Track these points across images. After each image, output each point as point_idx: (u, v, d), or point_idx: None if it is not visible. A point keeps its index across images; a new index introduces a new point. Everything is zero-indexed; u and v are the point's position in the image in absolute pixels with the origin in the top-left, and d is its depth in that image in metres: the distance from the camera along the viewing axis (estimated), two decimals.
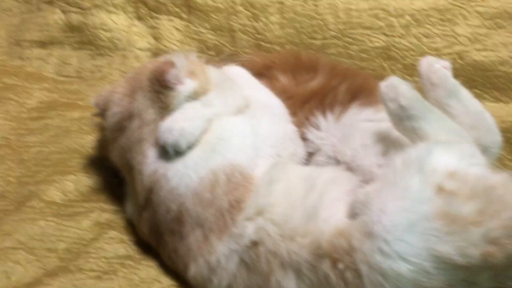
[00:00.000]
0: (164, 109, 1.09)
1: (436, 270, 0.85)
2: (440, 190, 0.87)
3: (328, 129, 1.20)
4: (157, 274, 1.10)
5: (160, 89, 1.08)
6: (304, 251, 0.93)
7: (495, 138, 1.13)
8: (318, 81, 1.29)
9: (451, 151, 0.95)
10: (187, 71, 1.12)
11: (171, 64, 1.08)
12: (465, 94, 1.14)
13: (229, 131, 1.10)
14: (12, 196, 1.26)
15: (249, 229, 0.98)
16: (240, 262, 0.99)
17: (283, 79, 1.31)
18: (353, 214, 0.95)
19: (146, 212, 1.10)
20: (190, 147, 1.05)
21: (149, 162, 1.07)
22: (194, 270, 1.03)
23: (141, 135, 1.10)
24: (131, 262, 1.12)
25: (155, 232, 1.09)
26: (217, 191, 1.02)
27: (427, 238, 0.85)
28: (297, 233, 0.95)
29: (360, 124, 1.18)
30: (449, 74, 1.13)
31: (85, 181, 1.31)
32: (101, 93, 1.25)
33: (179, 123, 1.05)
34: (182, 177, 1.04)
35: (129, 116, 1.13)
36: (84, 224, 1.20)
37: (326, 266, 0.91)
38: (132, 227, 1.18)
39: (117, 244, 1.16)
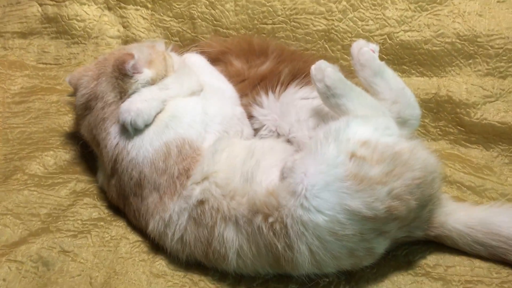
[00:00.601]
0: (123, 93, 1.23)
1: (348, 220, 1.01)
2: (352, 155, 1.03)
3: (270, 106, 1.34)
4: (125, 232, 1.26)
5: (120, 76, 1.23)
6: (241, 208, 1.09)
7: (415, 111, 1.26)
8: (267, 65, 1.41)
9: (366, 124, 1.09)
10: (146, 61, 1.26)
11: (131, 56, 1.21)
12: (389, 73, 1.26)
13: (181, 110, 1.23)
14: None
15: (196, 191, 1.13)
16: (189, 218, 1.14)
17: (237, 64, 1.44)
18: (282, 178, 1.10)
19: (113, 180, 1.25)
20: (146, 124, 1.19)
21: (112, 137, 1.22)
22: (152, 226, 1.18)
23: (104, 115, 1.25)
24: (103, 223, 1.27)
25: (122, 196, 1.24)
26: (169, 161, 1.17)
27: (340, 195, 1.01)
28: (236, 193, 1.11)
29: (296, 101, 1.31)
30: (375, 56, 1.25)
31: (63, 156, 1.44)
32: (73, 73, 1.37)
33: (136, 105, 1.19)
34: (140, 149, 1.18)
35: (95, 97, 1.27)
36: (62, 192, 1.35)
37: (259, 220, 1.06)
38: (103, 194, 1.33)
39: (91, 208, 1.31)
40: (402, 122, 1.23)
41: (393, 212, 1.03)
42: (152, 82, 1.25)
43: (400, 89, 1.25)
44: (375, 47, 1.27)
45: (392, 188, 1.02)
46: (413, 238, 1.17)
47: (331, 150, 1.04)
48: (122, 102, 1.22)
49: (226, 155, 1.17)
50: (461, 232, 1.16)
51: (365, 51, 1.24)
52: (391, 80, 1.25)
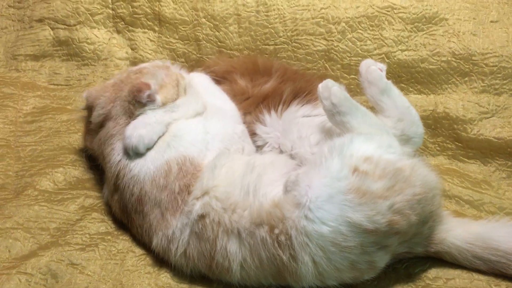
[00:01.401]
0: (131, 114, 1.28)
1: (350, 232, 1.03)
2: (355, 170, 1.05)
3: (272, 124, 1.38)
4: (131, 246, 1.28)
5: (133, 102, 1.27)
6: (243, 220, 1.11)
7: (418, 130, 1.29)
8: (271, 84, 1.45)
9: (370, 141, 1.12)
10: (159, 86, 1.30)
11: (148, 86, 1.26)
12: (396, 92, 1.30)
13: (183, 130, 1.27)
14: (11, 187, 1.43)
15: (196, 206, 1.16)
16: (191, 233, 1.16)
17: (242, 82, 1.48)
18: (286, 191, 1.13)
19: (116, 195, 1.28)
20: (148, 148, 1.23)
21: (116, 153, 1.26)
22: (155, 242, 1.20)
23: (113, 132, 1.30)
24: (110, 237, 1.30)
25: (124, 211, 1.27)
26: (170, 178, 1.20)
27: (342, 207, 1.03)
28: (237, 206, 1.13)
29: (298, 119, 1.35)
30: (383, 74, 1.29)
31: (72, 172, 1.48)
32: (92, 90, 1.41)
33: (139, 130, 1.23)
34: (142, 167, 1.22)
35: (109, 117, 1.32)
36: (71, 208, 1.38)
37: (264, 231, 1.08)
38: (110, 209, 1.35)
39: (99, 223, 1.34)
40: (406, 139, 1.26)
41: (394, 226, 1.05)
42: (161, 106, 1.29)
43: (405, 108, 1.28)
44: (382, 66, 1.31)
45: (393, 203, 1.04)
46: (413, 254, 1.19)
47: (335, 164, 1.07)
48: (129, 123, 1.27)
49: (225, 170, 1.20)
50: (460, 248, 1.17)
51: (373, 69, 1.28)
52: (397, 99, 1.29)
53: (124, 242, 1.29)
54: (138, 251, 1.27)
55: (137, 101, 1.26)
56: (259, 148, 1.39)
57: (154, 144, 1.24)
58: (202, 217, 1.15)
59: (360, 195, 1.03)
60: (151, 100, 1.26)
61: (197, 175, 1.20)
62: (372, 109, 1.31)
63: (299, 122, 1.34)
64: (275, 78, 1.47)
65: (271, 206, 1.10)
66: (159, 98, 1.28)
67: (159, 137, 1.25)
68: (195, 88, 1.39)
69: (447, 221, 1.20)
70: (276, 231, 1.07)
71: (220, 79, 1.51)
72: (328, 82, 1.23)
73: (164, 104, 1.29)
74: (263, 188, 1.16)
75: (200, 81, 1.47)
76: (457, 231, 1.18)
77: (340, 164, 1.06)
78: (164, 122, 1.27)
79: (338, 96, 1.20)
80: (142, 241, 1.27)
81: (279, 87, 1.44)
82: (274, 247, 1.07)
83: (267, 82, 1.46)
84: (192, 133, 1.27)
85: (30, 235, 1.28)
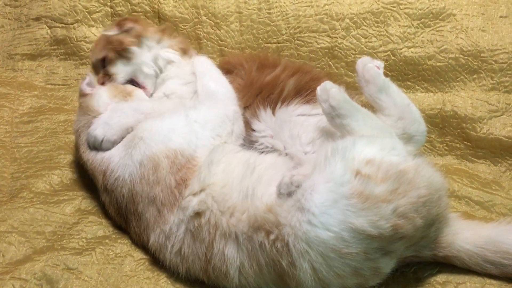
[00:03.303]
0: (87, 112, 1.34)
1: (352, 238, 1.00)
2: (357, 173, 1.03)
3: (266, 121, 1.34)
4: (130, 250, 1.25)
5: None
6: (241, 224, 1.09)
7: (420, 127, 1.25)
8: (274, 73, 1.42)
9: (372, 143, 1.09)
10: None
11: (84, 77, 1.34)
12: (394, 89, 1.27)
13: (158, 125, 1.26)
14: (6, 189, 1.41)
15: (193, 202, 1.14)
16: (186, 230, 1.14)
17: (250, 70, 1.44)
18: (280, 193, 1.10)
19: (107, 196, 1.27)
20: (112, 146, 1.27)
21: (94, 153, 1.29)
22: (153, 239, 1.18)
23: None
24: (107, 241, 1.27)
25: (120, 214, 1.25)
26: (161, 172, 1.18)
27: (345, 212, 1.00)
28: (236, 209, 1.11)
29: (293, 118, 1.32)
30: (380, 72, 1.25)
31: (69, 174, 1.46)
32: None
33: (97, 130, 1.28)
34: (124, 168, 1.22)
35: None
36: (67, 210, 1.35)
37: (261, 236, 1.06)
38: (108, 212, 1.32)
39: (96, 226, 1.31)
40: (407, 138, 1.23)
41: (399, 231, 1.02)
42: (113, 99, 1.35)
43: (405, 105, 1.25)
44: (379, 63, 1.28)
45: (397, 206, 1.01)
46: (421, 258, 1.16)
47: (338, 168, 1.04)
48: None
49: (222, 168, 1.18)
50: (470, 252, 1.14)
51: (370, 67, 1.25)
52: (396, 96, 1.26)
53: (122, 246, 1.26)
54: (137, 255, 1.24)
55: (80, 94, 1.37)
56: (251, 143, 1.35)
57: (127, 139, 1.27)
58: (197, 215, 1.13)
59: (363, 199, 1.00)
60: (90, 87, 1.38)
61: (193, 170, 1.19)
62: (371, 107, 1.28)
63: (293, 120, 1.31)
64: (279, 69, 1.43)
65: (265, 210, 1.07)
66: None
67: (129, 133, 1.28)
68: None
69: (455, 224, 1.16)
70: (272, 236, 1.05)
71: (230, 68, 1.49)
72: (327, 84, 1.21)
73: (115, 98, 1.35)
74: (261, 189, 1.14)
75: (201, 63, 1.47)
76: (466, 234, 1.15)
77: (343, 168, 1.04)
78: (129, 121, 1.30)
79: (336, 98, 1.18)
80: (141, 243, 1.24)
81: (279, 75, 1.40)
82: (273, 253, 1.05)
83: (271, 72, 1.43)
84: (176, 126, 1.26)
85: (25, 239, 1.26)
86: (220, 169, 1.17)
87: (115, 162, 1.24)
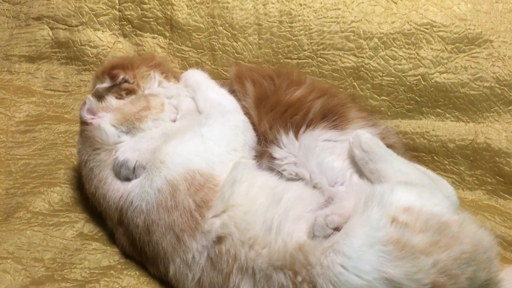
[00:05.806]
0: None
1: None
2: (394, 220, 0.97)
3: (288, 147, 1.24)
4: (137, 283, 1.16)
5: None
6: (260, 260, 1.02)
7: (448, 189, 1.22)
8: (300, 92, 1.32)
9: (411, 191, 1.04)
10: (101, 106, 1.26)
11: (83, 103, 1.23)
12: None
13: (177, 147, 1.18)
14: (0, 207, 1.30)
15: (216, 225, 1.07)
16: (208, 257, 1.07)
17: (283, 88, 1.34)
18: (314, 236, 1.04)
19: (121, 228, 1.18)
20: (136, 175, 1.17)
21: (113, 187, 1.19)
22: (173, 270, 1.10)
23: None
24: (113, 272, 1.17)
25: (134, 245, 1.16)
26: (179, 196, 1.10)
27: (380, 259, 0.93)
28: (256, 242, 1.04)
29: (319, 143, 1.23)
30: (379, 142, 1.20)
31: (70, 192, 1.36)
32: None
33: (128, 155, 1.19)
34: (141, 196, 1.13)
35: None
36: (68, 234, 1.25)
37: (284, 277, 0.99)
38: (114, 238, 1.23)
39: (100, 254, 1.21)
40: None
41: None
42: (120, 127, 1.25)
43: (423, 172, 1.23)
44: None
45: (437, 260, 0.93)
46: None
47: (375, 213, 0.99)
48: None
49: (245, 190, 1.11)
50: None
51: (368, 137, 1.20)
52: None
53: (129, 278, 1.17)
54: None
55: (81, 121, 1.27)
56: (273, 171, 1.25)
57: (147, 164, 1.18)
58: (219, 240, 1.06)
59: (399, 247, 0.93)
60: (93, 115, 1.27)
61: (214, 190, 1.12)
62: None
63: (319, 146, 1.22)
64: (306, 88, 1.34)
65: (295, 249, 1.00)
66: (105, 114, 1.27)
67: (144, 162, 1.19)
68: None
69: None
70: (299, 278, 0.98)
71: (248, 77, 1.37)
72: (359, 131, 1.20)
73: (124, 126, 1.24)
74: (288, 226, 1.06)
75: (194, 76, 1.40)
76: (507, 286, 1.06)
77: (380, 213, 0.99)
78: (145, 148, 1.21)
79: (368, 143, 1.17)
80: (158, 275, 1.15)
81: (305, 97, 1.31)
82: None
83: (296, 91, 1.33)
84: (193, 146, 1.19)
85: (22, 266, 1.16)
86: (243, 189, 1.11)
87: (136, 192, 1.15)
